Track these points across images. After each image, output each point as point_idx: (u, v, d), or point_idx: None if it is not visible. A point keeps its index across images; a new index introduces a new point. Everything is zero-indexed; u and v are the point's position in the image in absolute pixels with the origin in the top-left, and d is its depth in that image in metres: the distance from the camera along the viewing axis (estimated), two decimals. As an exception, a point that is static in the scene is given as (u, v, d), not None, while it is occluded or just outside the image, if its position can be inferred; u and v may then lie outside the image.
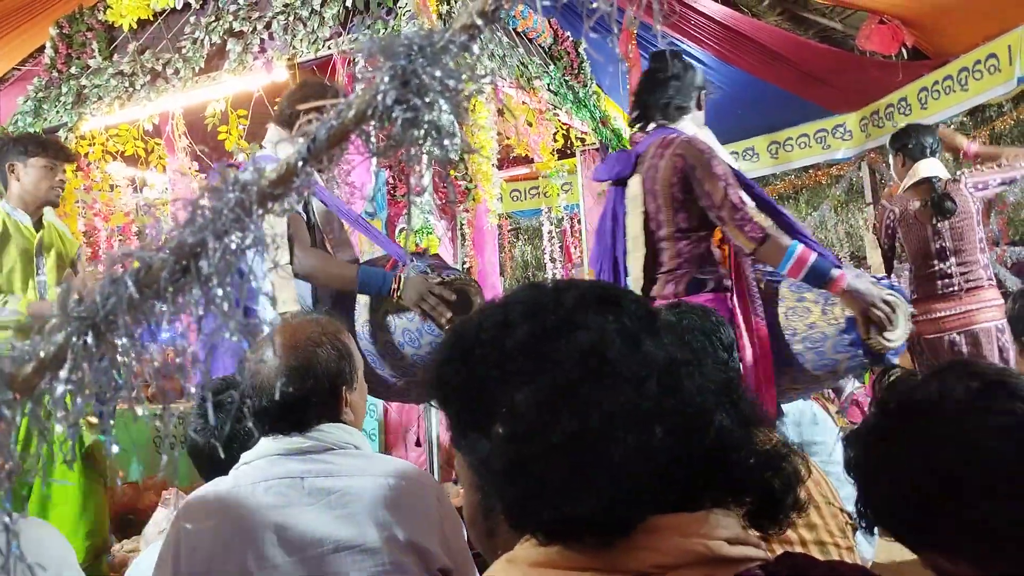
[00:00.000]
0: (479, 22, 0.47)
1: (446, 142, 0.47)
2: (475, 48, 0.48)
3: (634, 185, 2.58)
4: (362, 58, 0.50)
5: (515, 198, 8.97)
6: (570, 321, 0.72)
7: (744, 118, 7.40)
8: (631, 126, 2.76)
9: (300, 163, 0.46)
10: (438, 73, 0.45)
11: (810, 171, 7.94)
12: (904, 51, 6.25)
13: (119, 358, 0.45)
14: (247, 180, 0.46)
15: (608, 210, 2.74)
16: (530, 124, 4.84)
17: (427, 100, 0.46)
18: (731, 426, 0.72)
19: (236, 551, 1.33)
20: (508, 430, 0.70)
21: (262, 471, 1.41)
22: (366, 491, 1.38)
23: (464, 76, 0.47)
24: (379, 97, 0.45)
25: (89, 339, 0.44)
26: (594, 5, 0.52)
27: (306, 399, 1.43)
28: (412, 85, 0.45)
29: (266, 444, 1.44)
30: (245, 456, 1.46)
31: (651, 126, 2.65)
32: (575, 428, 0.67)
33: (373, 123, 0.47)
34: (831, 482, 1.59)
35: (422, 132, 0.46)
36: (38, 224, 3.29)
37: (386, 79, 0.45)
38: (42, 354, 0.44)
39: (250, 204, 0.46)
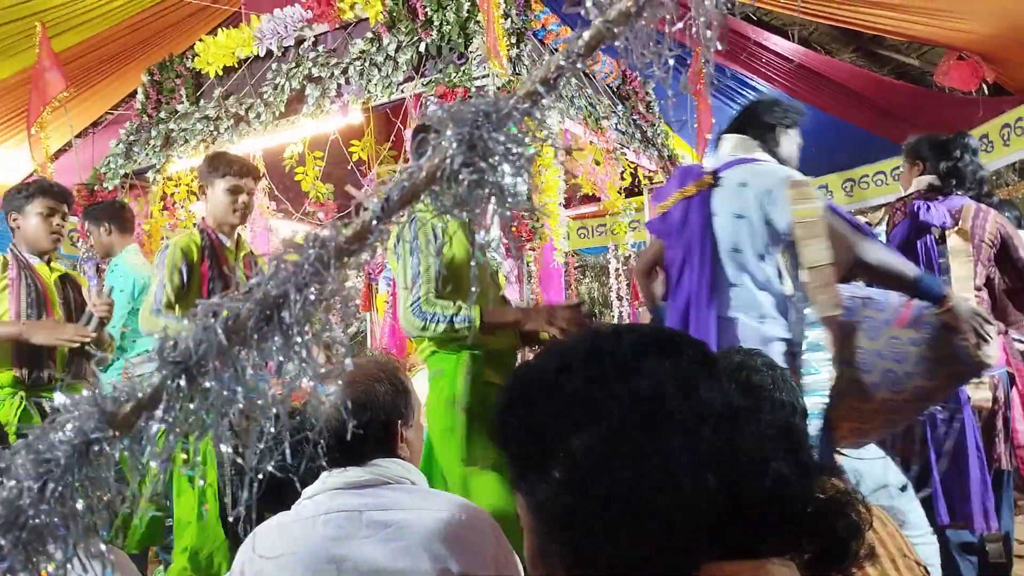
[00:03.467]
0: (541, 90, 0.50)
1: (509, 200, 0.50)
2: (537, 113, 0.51)
3: (961, 237, 2.95)
4: (430, 123, 0.54)
5: (582, 235, 9.01)
6: (628, 367, 0.73)
7: (818, 155, 7.30)
8: (941, 189, 3.11)
9: (375, 221, 0.50)
10: (502, 138, 0.49)
11: (884, 208, 7.77)
12: (984, 87, 6.10)
13: (209, 399, 0.49)
14: (325, 236, 0.50)
15: (921, 256, 3.05)
16: (598, 163, 4.88)
17: (492, 162, 0.49)
18: (789, 474, 0.72)
19: None
20: (564, 475, 0.71)
21: (323, 505, 1.45)
22: (422, 525, 1.41)
23: (527, 139, 0.51)
24: (447, 160, 0.49)
25: (182, 382, 0.48)
26: (646, 52, 0.55)
27: (362, 433, 1.47)
28: (478, 149, 0.49)
29: (325, 479, 1.49)
30: (306, 491, 1.50)
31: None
32: (630, 475, 0.68)
33: (442, 183, 0.51)
34: (904, 534, 1.54)
35: (487, 192, 0.50)
36: None
37: (454, 144, 0.49)
38: (140, 395, 0.49)
39: (328, 259, 0.50)
